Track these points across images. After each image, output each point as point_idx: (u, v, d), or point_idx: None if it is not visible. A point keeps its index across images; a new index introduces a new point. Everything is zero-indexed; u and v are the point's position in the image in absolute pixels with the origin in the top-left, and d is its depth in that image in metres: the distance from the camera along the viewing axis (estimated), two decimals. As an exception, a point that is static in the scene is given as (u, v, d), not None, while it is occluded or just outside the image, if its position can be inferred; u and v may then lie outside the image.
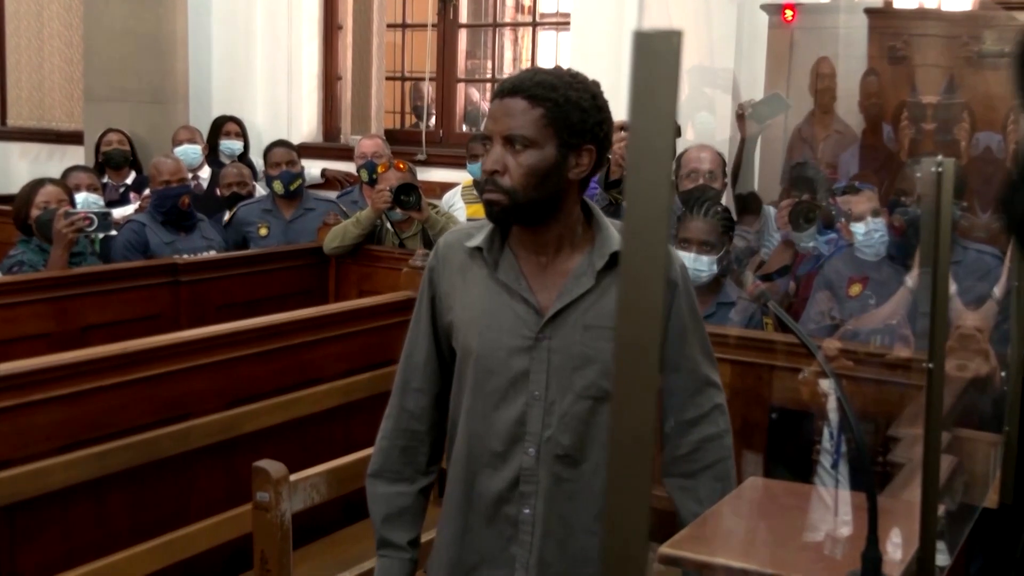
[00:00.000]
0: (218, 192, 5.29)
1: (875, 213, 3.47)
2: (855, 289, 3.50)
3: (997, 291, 3.05)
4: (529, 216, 1.75)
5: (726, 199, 3.93)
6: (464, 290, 1.82)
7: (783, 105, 4.23)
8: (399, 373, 1.94)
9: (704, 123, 4.75)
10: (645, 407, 0.68)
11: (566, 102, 1.70)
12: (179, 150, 5.53)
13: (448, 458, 1.93)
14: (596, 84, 1.78)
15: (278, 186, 5.01)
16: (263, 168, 6.10)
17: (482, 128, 1.77)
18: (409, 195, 4.39)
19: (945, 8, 4.29)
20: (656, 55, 0.63)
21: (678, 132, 3.69)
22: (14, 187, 6.37)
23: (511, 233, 1.82)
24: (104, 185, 5.48)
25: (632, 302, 0.64)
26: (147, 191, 4.99)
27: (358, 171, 5.38)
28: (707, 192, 3.63)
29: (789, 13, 4.54)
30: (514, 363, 1.78)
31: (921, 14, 4.42)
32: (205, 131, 6.05)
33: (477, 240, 1.81)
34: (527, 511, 1.79)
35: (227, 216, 5.07)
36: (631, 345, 0.66)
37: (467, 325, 1.81)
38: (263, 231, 4.98)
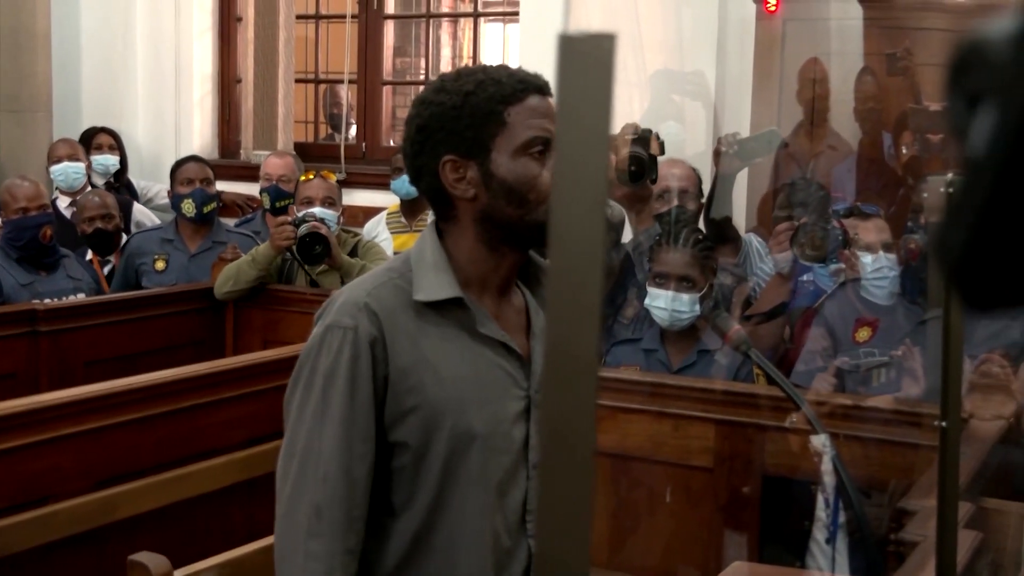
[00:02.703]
0: (78, 229, 5.14)
1: (887, 247, 3.52)
2: (863, 333, 3.55)
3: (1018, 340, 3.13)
4: None
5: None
6: (437, 361, 1.75)
7: (777, 142, 4.29)
8: (319, 504, 1.73)
9: (672, 134, 4.82)
10: (583, 431, 0.70)
11: None
12: (57, 169, 5.49)
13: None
14: None
15: (188, 207, 4.97)
16: (156, 190, 6.08)
17: (535, 131, 1.64)
18: (314, 247, 4.39)
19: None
20: (585, 61, 0.65)
21: (661, 149, 3.73)
22: None
23: (462, 268, 1.78)
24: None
25: (561, 339, 0.66)
26: (0, 222, 4.93)
27: (261, 195, 5.36)
28: (681, 215, 3.66)
29: (773, 3, 4.63)
30: (516, 434, 1.76)
31: (922, 5, 4.54)
32: (72, 146, 5.99)
33: (436, 291, 1.74)
34: None
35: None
36: (562, 400, 0.67)
37: (456, 404, 1.74)
38: (160, 264, 4.93)
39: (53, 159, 5.62)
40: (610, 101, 0.66)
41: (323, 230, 4.44)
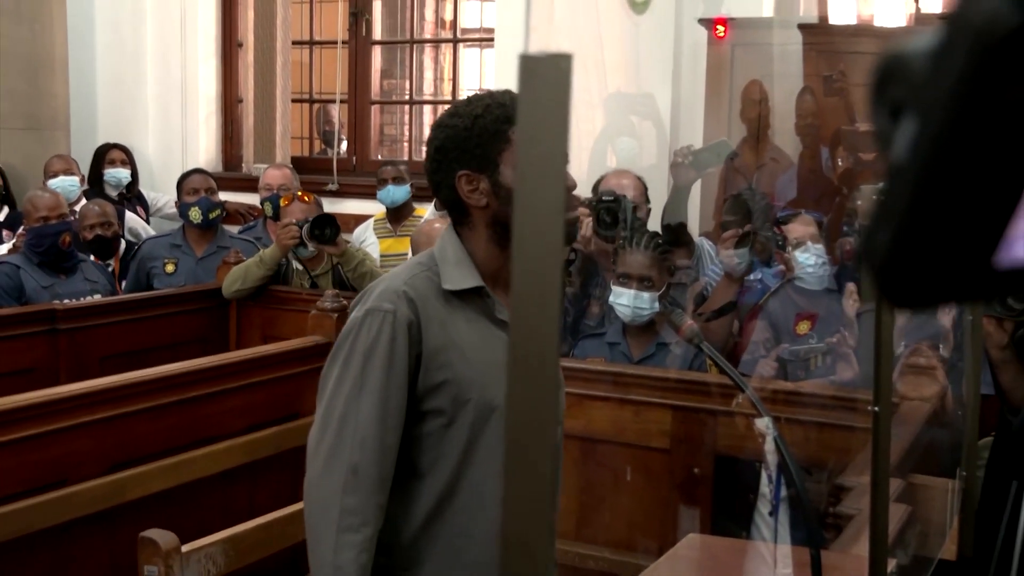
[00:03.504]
0: (80, 235, 5.01)
1: (815, 239, 3.54)
2: (803, 327, 3.56)
3: (951, 327, 3.14)
4: None
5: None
6: (463, 342, 1.83)
7: (728, 152, 4.29)
8: (356, 465, 1.79)
9: (627, 148, 4.83)
10: (543, 428, 0.69)
11: None
12: (54, 183, 5.42)
13: (413, 537, 1.88)
14: None
15: (195, 214, 4.95)
16: (165, 201, 6.06)
17: None
18: (324, 229, 4.37)
19: (881, 24, 4.42)
20: (544, 79, 0.64)
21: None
22: None
23: (479, 265, 1.87)
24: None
25: (523, 342, 0.65)
26: (21, 229, 4.88)
27: (262, 204, 5.34)
28: (636, 222, 3.67)
29: (720, 28, 4.64)
30: None
31: (856, 30, 4.55)
32: (88, 162, 5.95)
33: (462, 281, 1.83)
34: None
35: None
36: (526, 392, 0.66)
37: (480, 380, 1.82)
38: (169, 268, 4.91)
39: (49, 174, 5.54)
40: (567, 116, 0.65)
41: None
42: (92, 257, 4.93)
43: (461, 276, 1.83)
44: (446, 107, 7.09)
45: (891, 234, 0.34)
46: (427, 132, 6.97)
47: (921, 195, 0.33)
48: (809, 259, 3.50)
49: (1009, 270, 0.34)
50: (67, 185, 5.46)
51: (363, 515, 1.78)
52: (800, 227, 3.57)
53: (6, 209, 5.60)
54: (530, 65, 0.65)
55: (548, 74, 0.64)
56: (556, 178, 0.65)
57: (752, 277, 3.83)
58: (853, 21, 4.56)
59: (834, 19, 4.65)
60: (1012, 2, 0.31)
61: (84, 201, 5.52)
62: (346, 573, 1.78)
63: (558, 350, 0.67)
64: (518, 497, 0.67)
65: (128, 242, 5.30)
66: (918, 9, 4.54)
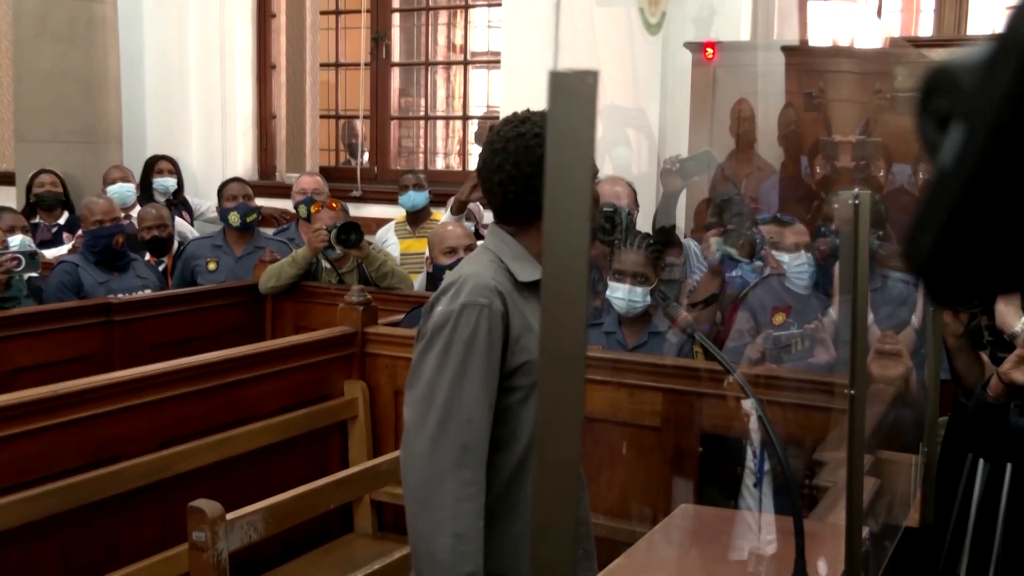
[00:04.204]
0: (137, 236, 5.07)
1: (807, 247, 3.52)
2: (779, 318, 3.54)
3: (915, 319, 3.12)
4: None
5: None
6: (535, 326, 1.84)
7: (712, 162, 4.27)
8: (467, 442, 1.79)
9: (621, 157, 4.82)
10: (571, 420, 0.67)
11: None
12: (112, 189, 5.42)
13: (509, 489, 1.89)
14: None
15: (234, 218, 4.94)
16: (208, 206, 6.06)
17: None
18: (349, 234, 4.37)
19: (858, 46, 4.40)
20: (572, 94, 0.63)
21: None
22: (-58, 229, 6.20)
23: (536, 259, 1.89)
24: (36, 226, 5.37)
25: (554, 333, 0.64)
26: (80, 231, 4.87)
27: (296, 207, 5.33)
28: (631, 225, 3.65)
29: (710, 51, 4.62)
30: None
31: (835, 52, 4.53)
32: (139, 172, 5.94)
33: (532, 274, 1.86)
34: None
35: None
36: (556, 377, 0.65)
37: None
38: (212, 266, 4.90)
39: (108, 181, 5.55)
40: (593, 127, 0.63)
41: (350, 220, 4.47)
42: (148, 255, 4.93)
43: (528, 269, 1.86)
44: (458, 122, 7.06)
45: (935, 236, 0.32)
46: (440, 144, 6.99)
47: (967, 199, 0.31)
48: (801, 264, 3.48)
49: None
50: (124, 192, 5.47)
51: (477, 485, 1.79)
52: (795, 235, 3.55)
53: (66, 214, 5.60)
54: (559, 81, 0.63)
55: (576, 89, 0.62)
56: (583, 184, 0.63)
57: (733, 273, 3.82)
58: (831, 43, 4.54)
59: (813, 42, 4.63)
60: None
61: (139, 206, 5.52)
62: (467, 538, 1.78)
63: (585, 335, 0.65)
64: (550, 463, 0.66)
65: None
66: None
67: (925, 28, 5.80)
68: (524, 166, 1.85)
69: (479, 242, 2.01)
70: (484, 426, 1.81)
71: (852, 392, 1.66)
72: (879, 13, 5.19)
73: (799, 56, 4.63)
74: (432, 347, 1.82)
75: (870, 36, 4.39)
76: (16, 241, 4.32)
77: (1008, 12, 0.31)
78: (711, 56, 4.64)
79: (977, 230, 0.31)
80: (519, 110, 1.92)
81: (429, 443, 1.79)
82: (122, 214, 5.22)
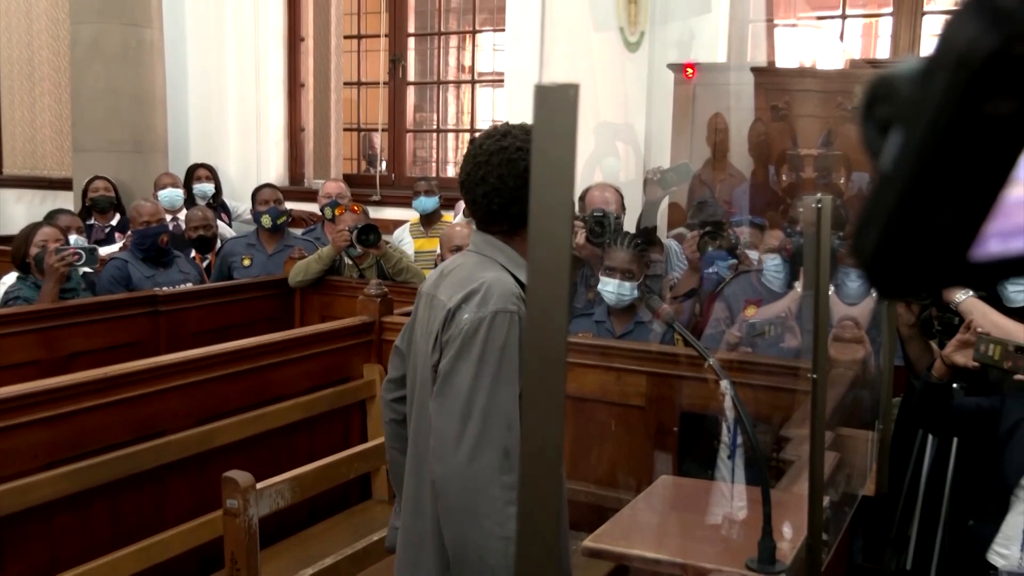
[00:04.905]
0: (185, 235, 5.12)
1: (784, 252, 3.50)
2: (750, 311, 3.52)
3: (866, 311, 3.10)
4: None
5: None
6: None
7: (689, 173, 4.25)
8: (507, 447, 1.62)
9: (610, 166, 4.81)
10: (553, 410, 0.65)
11: None
12: (163, 193, 5.42)
13: None
14: None
15: (266, 220, 4.93)
16: (243, 209, 6.04)
17: None
18: (368, 235, 4.37)
19: (820, 67, 4.38)
20: (554, 106, 0.61)
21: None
22: (8, 229, 6.22)
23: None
24: (91, 227, 5.37)
25: (538, 332, 0.62)
26: (129, 231, 4.86)
27: (322, 209, 5.31)
28: (618, 227, 3.64)
29: (690, 71, 4.61)
30: None
31: (800, 72, 4.51)
32: (182, 178, 5.93)
33: None
34: None
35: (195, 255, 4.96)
36: (539, 370, 0.63)
37: None
38: (246, 262, 4.90)
39: (159, 186, 5.54)
40: (574, 136, 0.61)
41: (370, 222, 4.46)
42: (194, 252, 4.92)
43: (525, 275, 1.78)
44: (466, 134, 7.01)
45: (878, 234, 0.30)
46: (451, 154, 6.97)
47: (906, 199, 0.30)
48: (777, 264, 3.46)
49: (982, 263, 0.31)
50: (173, 196, 5.48)
51: (515, 489, 1.60)
52: (773, 240, 3.53)
53: (117, 216, 5.58)
54: (543, 93, 0.61)
55: (558, 101, 0.61)
56: (566, 187, 0.61)
57: (711, 270, 3.80)
58: (796, 64, 4.52)
59: (781, 63, 4.61)
60: (989, 28, 0.28)
61: (185, 209, 5.52)
62: (515, 542, 1.66)
63: (567, 330, 0.64)
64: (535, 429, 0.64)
65: (215, 241, 5.29)
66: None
67: (883, 51, 5.77)
68: (508, 179, 1.73)
69: (469, 246, 1.87)
70: (519, 430, 1.65)
71: (814, 376, 1.65)
72: (841, 36, 5.16)
73: (768, 76, 4.62)
74: (465, 356, 1.66)
75: (832, 57, 4.37)
76: (74, 239, 4.32)
77: (944, 21, 0.29)
78: (691, 75, 4.63)
79: (915, 228, 0.29)
80: (510, 124, 1.81)
81: (470, 451, 1.63)
82: (167, 216, 5.23)
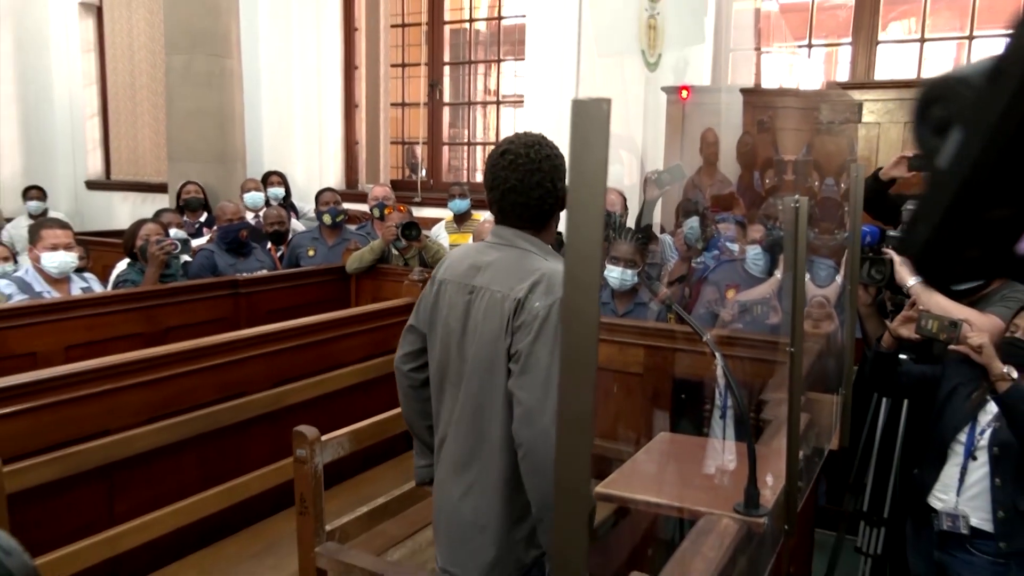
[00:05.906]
0: (263, 230, 5.15)
1: (761, 242, 3.45)
2: (731, 294, 3.47)
3: (833, 293, 3.04)
4: None
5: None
6: None
7: (681, 174, 4.18)
8: None
9: (615, 172, 4.75)
10: (585, 387, 0.62)
11: None
12: (248, 196, 5.49)
13: None
14: None
15: (327, 218, 4.92)
16: (308, 208, 6.05)
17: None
18: (411, 230, 4.36)
19: (801, 88, 4.31)
20: (589, 117, 0.58)
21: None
22: (115, 225, 6.26)
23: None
24: (183, 223, 5.38)
25: (573, 320, 0.59)
26: (215, 227, 4.88)
27: (371, 210, 5.29)
28: (622, 223, 3.60)
29: (685, 92, 4.54)
30: None
31: (782, 92, 4.44)
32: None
33: None
34: None
35: (273, 247, 4.96)
36: (573, 355, 0.60)
37: None
38: (311, 253, 4.90)
39: (245, 190, 5.57)
40: (607, 143, 0.58)
41: (413, 219, 4.44)
42: (270, 244, 4.93)
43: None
44: (492, 147, 6.93)
45: (930, 229, 0.27)
46: (480, 163, 6.92)
47: (963, 195, 0.26)
48: (758, 254, 3.41)
49: None
50: (256, 198, 5.51)
51: None
52: (755, 233, 3.48)
53: (205, 214, 5.60)
54: (579, 107, 0.58)
55: (593, 113, 0.57)
56: (599, 190, 0.58)
57: (699, 260, 3.75)
58: (778, 85, 4.45)
59: (765, 84, 4.53)
60: None
61: (264, 208, 5.54)
62: None
63: (598, 312, 0.61)
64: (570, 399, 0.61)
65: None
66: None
67: (842, 74, 5.66)
68: (558, 182, 1.69)
69: (492, 240, 1.76)
70: None
71: (792, 349, 1.61)
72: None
73: (753, 95, 4.54)
74: (541, 337, 1.61)
75: (810, 79, 4.29)
76: (172, 232, 4.35)
77: (1010, 35, 0.26)
78: (685, 97, 4.56)
79: (969, 223, 0.26)
80: (530, 134, 1.73)
81: (554, 417, 1.54)
82: (250, 214, 5.25)
